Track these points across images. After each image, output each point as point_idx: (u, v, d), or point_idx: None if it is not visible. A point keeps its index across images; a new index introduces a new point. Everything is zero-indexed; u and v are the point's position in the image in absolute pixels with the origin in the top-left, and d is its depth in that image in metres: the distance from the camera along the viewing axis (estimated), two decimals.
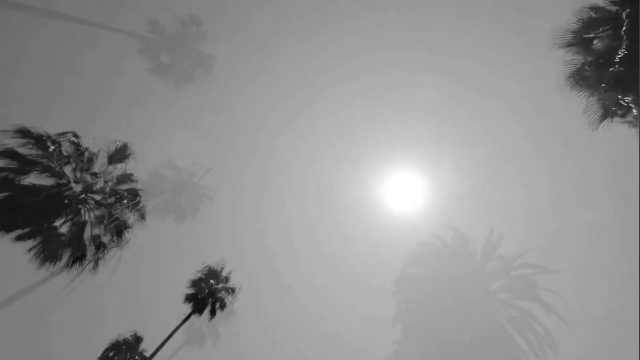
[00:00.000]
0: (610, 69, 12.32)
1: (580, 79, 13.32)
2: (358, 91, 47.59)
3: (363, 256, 49.81)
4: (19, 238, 12.02)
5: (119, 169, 14.14)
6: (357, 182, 51.50)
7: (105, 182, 13.84)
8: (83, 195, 13.22)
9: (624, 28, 11.63)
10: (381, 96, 48.94)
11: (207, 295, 15.81)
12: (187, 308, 36.99)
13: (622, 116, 13.19)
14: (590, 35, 13.02)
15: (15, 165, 11.95)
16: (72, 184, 13.04)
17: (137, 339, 14.46)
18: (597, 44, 12.96)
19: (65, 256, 13.21)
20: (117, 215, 13.87)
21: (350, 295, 48.66)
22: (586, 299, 37.97)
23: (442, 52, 44.35)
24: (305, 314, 48.26)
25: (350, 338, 46.14)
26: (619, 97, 12.67)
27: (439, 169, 50.02)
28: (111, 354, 13.83)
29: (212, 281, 15.91)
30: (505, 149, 48.12)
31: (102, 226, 13.78)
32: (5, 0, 28.89)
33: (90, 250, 13.56)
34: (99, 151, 13.65)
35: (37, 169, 12.30)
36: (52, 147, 12.49)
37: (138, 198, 14.28)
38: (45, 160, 12.47)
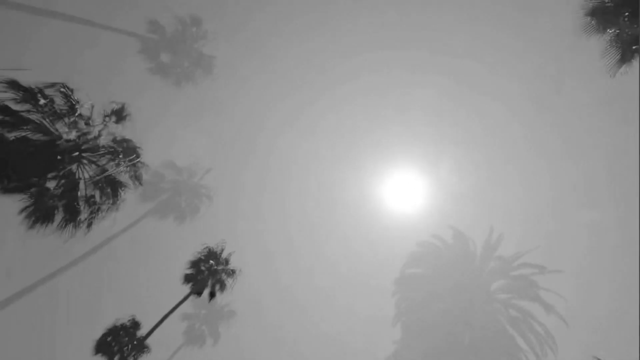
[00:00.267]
0: None
1: (601, 13, 13.12)
2: (358, 91, 47.63)
3: (363, 256, 49.84)
4: (8, 190, 11.38)
5: (116, 129, 13.58)
6: (357, 182, 51.52)
7: (100, 137, 13.19)
8: (77, 153, 12.69)
9: None
10: (381, 96, 48.96)
11: (207, 276, 15.48)
12: (187, 308, 36.85)
13: None
14: None
15: (7, 118, 11.37)
16: (64, 139, 12.44)
17: (135, 324, 14.29)
18: None
19: (58, 217, 12.64)
20: (112, 173, 13.37)
21: (350, 295, 48.70)
22: (586, 299, 38.00)
23: (442, 52, 44.37)
24: (305, 314, 48.29)
25: (350, 338, 46.18)
26: None
27: (439, 169, 50.05)
28: (109, 338, 13.61)
29: (212, 261, 15.71)
30: (505, 149, 48.15)
31: (96, 185, 13.26)
32: (5, 0, 28.90)
33: (84, 211, 13.02)
34: (92, 106, 12.99)
35: (27, 127, 11.71)
36: (42, 101, 11.78)
37: (135, 155, 13.70)
38: (36, 116, 11.83)
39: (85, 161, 13.13)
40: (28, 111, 11.78)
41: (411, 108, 48.13)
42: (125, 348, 13.86)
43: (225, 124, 46.67)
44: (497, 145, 48.48)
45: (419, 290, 31.02)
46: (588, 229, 42.70)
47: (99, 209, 13.35)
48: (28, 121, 11.84)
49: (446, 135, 49.75)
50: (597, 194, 43.81)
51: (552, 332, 26.72)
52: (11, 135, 11.51)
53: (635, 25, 12.70)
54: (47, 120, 12.14)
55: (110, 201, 13.58)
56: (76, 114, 12.57)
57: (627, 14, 12.65)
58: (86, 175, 13.20)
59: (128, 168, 13.80)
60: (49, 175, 12.32)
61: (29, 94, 11.66)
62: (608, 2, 13.23)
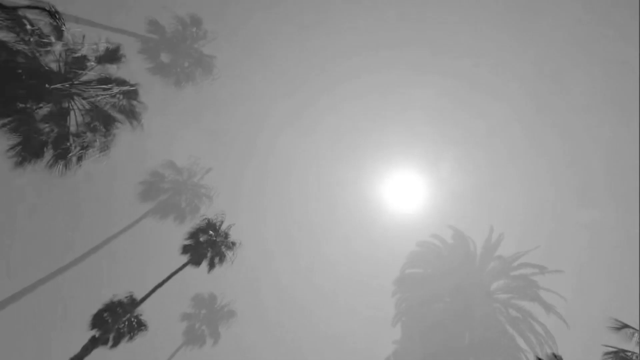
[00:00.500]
0: None
1: None
2: (358, 91, 47.64)
3: (363, 256, 49.86)
4: None
5: (111, 70, 12.66)
6: (357, 182, 51.53)
7: (92, 68, 12.24)
8: (67, 85, 11.87)
9: None
10: (381, 96, 48.98)
11: (206, 246, 14.97)
12: (187, 308, 36.64)
13: None
14: None
15: None
16: (52, 66, 11.61)
17: (133, 301, 13.95)
18: None
19: (48, 155, 12.03)
20: (104, 108, 12.45)
21: (350, 295, 48.73)
22: (586, 299, 38.00)
23: (443, 52, 44.40)
24: (305, 314, 48.30)
25: (350, 338, 46.19)
26: None
27: (439, 169, 50.06)
28: (105, 314, 13.21)
29: (211, 232, 15.38)
30: (505, 149, 48.16)
31: (87, 119, 12.43)
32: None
33: (74, 148, 12.33)
34: (84, 36, 12.02)
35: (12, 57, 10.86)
36: (29, 27, 10.94)
37: (128, 86, 12.80)
38: (21, 40, 10.94)
39: (76, 96, 12.35)
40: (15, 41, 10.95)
41: (411, 108, 48.16)
42: (122, 325, 13.51)
43: (225, 124, 46.70)
44: (497, 146, 48.51)
45: (419, 290, 31.01)
46: (588, 229, 42.72)
47: (89, 145, 12.62)
48: (16, 53, 11.10)
49: (446, 135, 49.80)
50: (597, 194, 43.83)
51: (552, 332, 26.71)
52: None
53: None
54: (35, 48, 11.28)
55: (103, 137, 12.87)
56: (64, 42, 11.69)
57: None
58: (76, 107, 12.44)
59: (123, 100, 12.90)
60: (38, 107, 11.55)
61: (15, 20, 10.76)
62: None
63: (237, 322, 36.75)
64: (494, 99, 45.22)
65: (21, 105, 11.27)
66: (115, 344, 13.29)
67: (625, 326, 12.00)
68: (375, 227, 51.26)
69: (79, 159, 12.57)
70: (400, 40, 45.42)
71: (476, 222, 35.28)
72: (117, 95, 12.86)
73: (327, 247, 50.20)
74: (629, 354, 11.61)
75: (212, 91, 40.09)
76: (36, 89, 11.38)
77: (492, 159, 48.55)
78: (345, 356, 46.28)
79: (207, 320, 35.64)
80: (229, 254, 15.46)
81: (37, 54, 11.47)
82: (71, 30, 11.92)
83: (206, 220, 15.38)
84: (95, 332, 12.56)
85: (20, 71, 11.01)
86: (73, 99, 12.49)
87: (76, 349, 12.09)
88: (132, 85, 13.20)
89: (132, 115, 13.46)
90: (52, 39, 11.55)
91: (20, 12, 10.89)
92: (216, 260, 15.19)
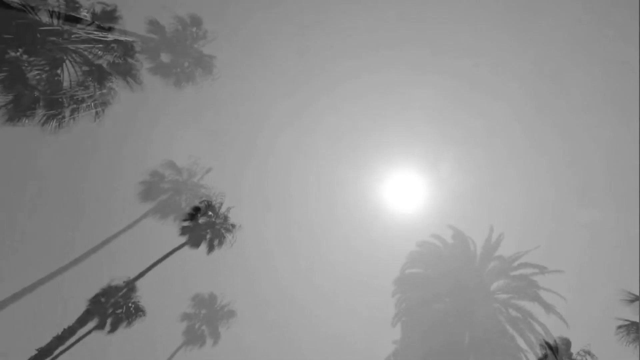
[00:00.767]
0: None
1: None
2: (358, 91, 47.63)
3: (363, 256, 49.83)
4: None
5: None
6: (357, 182, 51.52)
7: (87, 22, 11.63)
8: (61, 39, 11.19)
9: None
10: (381, 96, 48.98)
11: (205, 228, 14.69)
12: (187, 308, 36.76)
13: None
14: None
15: None
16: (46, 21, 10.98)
17: (131, 286, 13.83)
18: None
19: (40, 113, 11.40)
20: (100, 63, 11.64)
21: (350, 295, 48.72)
22: (586, 299, 37.98)
23: (443, 52, 44.39)
24: (305, 314, 48.29)
25: (350, 338, 46.18)
26: None
27: (439, 169, 50.06)
28: (102, 299, 13.02)
29: (210, 213, 15.10)
30: (505, 149, 48.17)
31: (81, 74, 11.74)
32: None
33: (67, 106, 11.68)
34: None
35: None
36: None
37: (127, 43, 12.04)
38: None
39: (71, 51, 11.66)
40: None
41: (411, 108, 48.16)
42: (120, 310, 13.35)
43: (225, 124, 46.70)
44: (497, 145, 48.53)
45: (419, 290, 31.00)
46: (588, 229, 42.71)
47: (83, 100, 11.98)
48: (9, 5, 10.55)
49: (446, 135, 49.81)
50: (597, 194, 43.84)
51: (552, 332, 26.69)
52: None
53: None
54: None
55: (97, 92, 12.25)
56: None
57: None
58: (70, 65, 11.75)
59: (118, 51, 12.07)
60: (29, 60, 10.87)
61: None
62: None
63: (237, 322, 36.80)
64: (494, 99, 45.21)
65: (12, 54, 10.66)
66: (113, 329, 13.13)
67: (638, 298, 12.06)
68: (375, 227, 51.27)
69: (72, 112, 11.93)
70: (400, 40, 45.42)
71: (476, 222, 35.30)
72: (112, 45, 12.13)
73: (327, 247, 50.23)
74: None
75: (212, 91, 40.05)
76: (27, 38, 10.71)
77: (492, 158, 48.59)
78: (345, 356, 46.32)
79: (207, 320, 35.65)
80: (228, 236, 15.12)
81: (31, 10, 10.93)
82: None
83: (205, 202, 15.14)
84: (89, 306, 12.31)
85: (13, 23, 10.48)
86: (66, 53, 11.93)
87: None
88: (132, 46, 12.76)
89: (129, 74, 12.83)
90: None
91: None
92: (215, 242, 14.84)
